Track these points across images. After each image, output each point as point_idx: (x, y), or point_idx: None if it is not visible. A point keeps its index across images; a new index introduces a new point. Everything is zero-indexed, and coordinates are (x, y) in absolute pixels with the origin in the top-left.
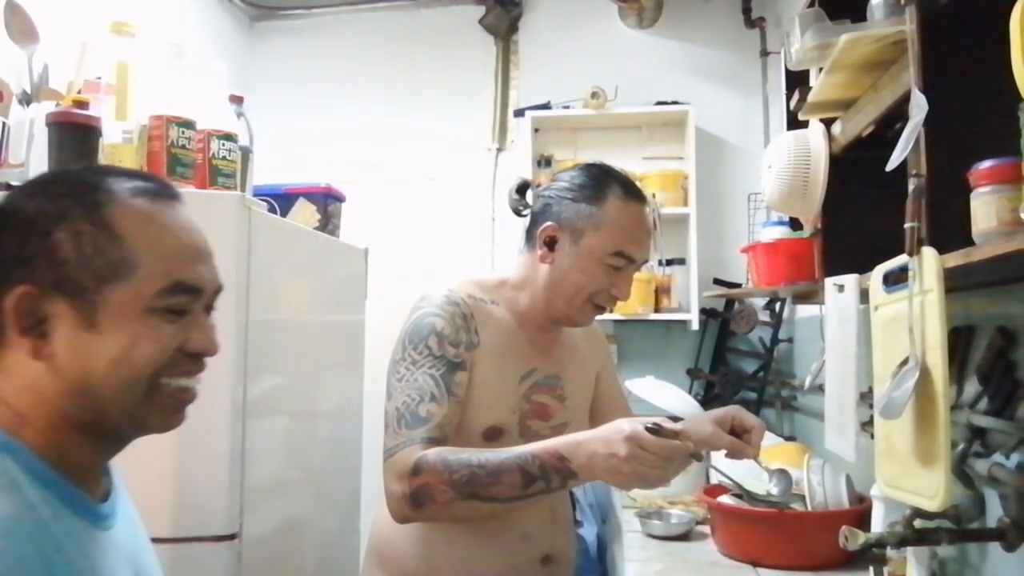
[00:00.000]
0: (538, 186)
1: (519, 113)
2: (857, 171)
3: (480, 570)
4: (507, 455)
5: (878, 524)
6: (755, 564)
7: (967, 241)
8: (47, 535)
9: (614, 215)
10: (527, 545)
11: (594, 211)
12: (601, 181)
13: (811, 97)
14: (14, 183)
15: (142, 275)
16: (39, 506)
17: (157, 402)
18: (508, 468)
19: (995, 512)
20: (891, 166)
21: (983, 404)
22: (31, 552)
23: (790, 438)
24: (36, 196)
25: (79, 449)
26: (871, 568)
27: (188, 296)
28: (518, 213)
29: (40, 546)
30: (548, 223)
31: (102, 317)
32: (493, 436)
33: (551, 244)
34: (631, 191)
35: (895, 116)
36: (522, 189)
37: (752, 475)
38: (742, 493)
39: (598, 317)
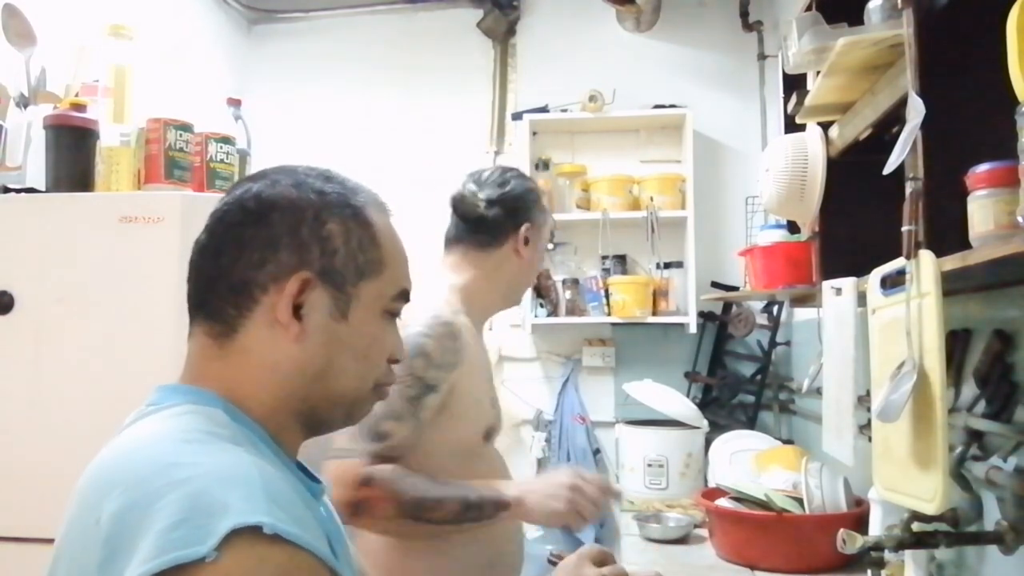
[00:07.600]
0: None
1: (517, 116)
2: (854, 174)
3: None
4: (453, 489)
5: (876, 527)
6: (753, 567)
7: (964, 244)
8: (297, 485)
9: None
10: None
11: (545, 216)
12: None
13: (808, 100)
14: (11, 186)
15: (387, 277)
16: (275, 462)
17: (372, 400)
18: (451, 498)
19: (993, 515)
20: (888, 169)
21: (980, 407)
22: (290, 490)
23: (788, 441)
24: (300, 186)
25: (289, 435)
26: (869, 571)
27: (405, 303)
28: (475, 213)
29: (297, 490)
30: (527, 224)
31: (353, 309)
32: (490, 435)
33: (527, 241)
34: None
35: (892, 119)
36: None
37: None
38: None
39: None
